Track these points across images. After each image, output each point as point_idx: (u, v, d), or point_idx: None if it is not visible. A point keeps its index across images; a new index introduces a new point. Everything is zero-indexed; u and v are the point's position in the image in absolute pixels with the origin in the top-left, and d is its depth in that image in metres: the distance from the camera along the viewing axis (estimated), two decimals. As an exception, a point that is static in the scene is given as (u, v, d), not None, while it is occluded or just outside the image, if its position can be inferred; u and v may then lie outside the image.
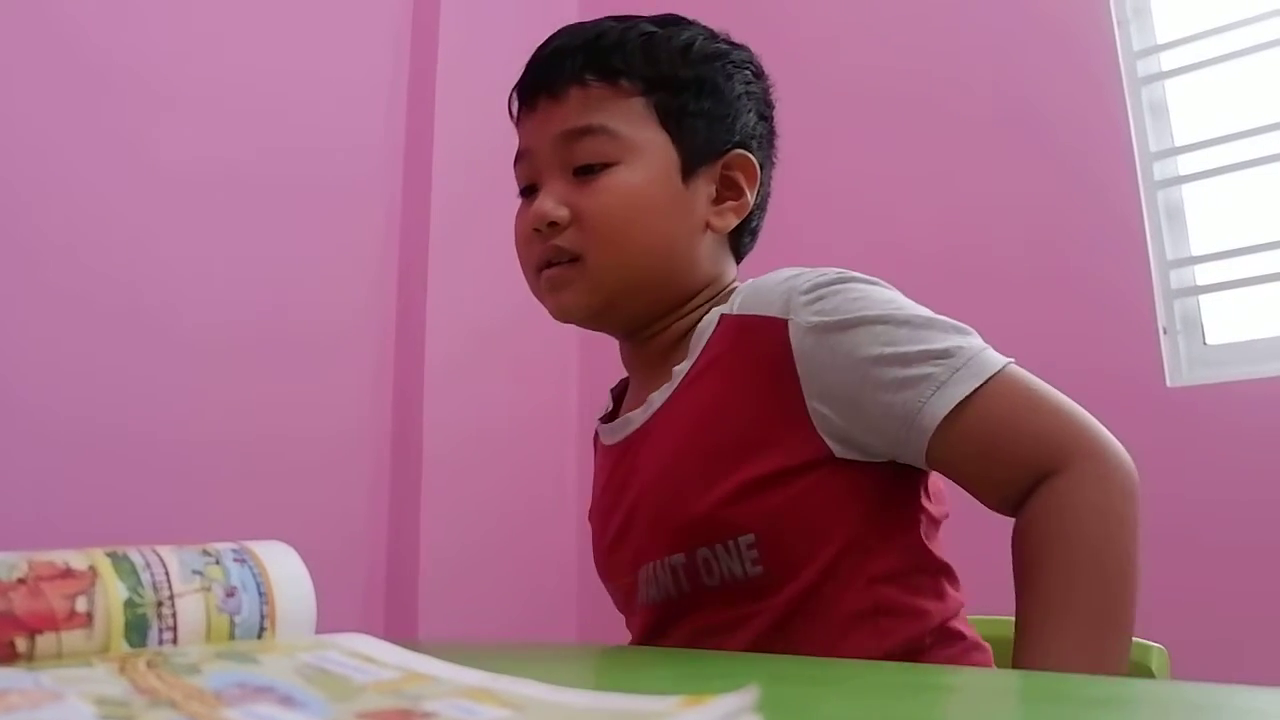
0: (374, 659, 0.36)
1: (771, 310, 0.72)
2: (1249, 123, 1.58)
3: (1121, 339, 1.57)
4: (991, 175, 1.74)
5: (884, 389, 0.67)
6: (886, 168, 1.86)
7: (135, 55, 1.60)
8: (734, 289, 0.81)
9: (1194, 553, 1.39)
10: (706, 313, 0.80)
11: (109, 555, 0.40)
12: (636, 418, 0.81)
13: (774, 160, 0.87)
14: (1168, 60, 1.70)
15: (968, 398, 0.65)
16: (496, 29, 2.10)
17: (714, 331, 0.77)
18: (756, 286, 0.76)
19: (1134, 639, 0.72)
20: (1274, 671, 1.19)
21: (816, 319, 0.70)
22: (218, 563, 0.42)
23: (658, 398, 0.79)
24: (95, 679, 0.32)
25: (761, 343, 0.72)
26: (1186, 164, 1.65)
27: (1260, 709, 0.32)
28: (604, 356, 0.95)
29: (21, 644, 0.35)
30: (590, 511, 0.89)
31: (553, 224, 0.78)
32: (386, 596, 1.82)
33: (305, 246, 1.81)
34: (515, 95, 0.84)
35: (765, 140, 0.85)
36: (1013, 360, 0.68)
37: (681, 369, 0.78)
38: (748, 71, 0.84)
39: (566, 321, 0.83)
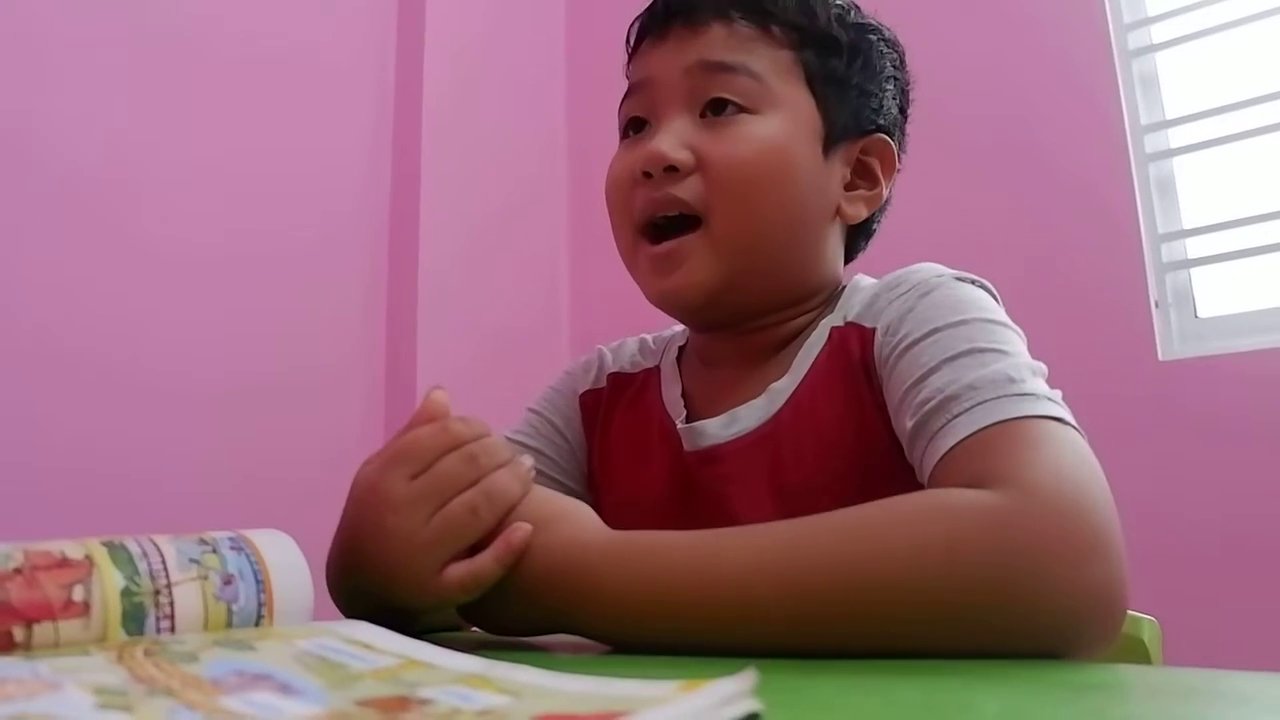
0: (371, 646, 0.36)
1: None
2: (1240, 95, 1.58)
3: (1113, 313, 1.57)
4: (978, 148, 1.73)
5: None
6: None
7: (132, 48, 1.59)
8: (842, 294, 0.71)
9: (1184, 527, 1.40)
10: (816, 322, 0.70)
11: (105, 544, 0.40)
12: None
13: (902, 161, 0.76)
14: (1158, 33, 1.69)
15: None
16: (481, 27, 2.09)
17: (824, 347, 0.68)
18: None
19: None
20: (1265, 646, 1.20)
21: None
22: (215, 551, 0.42)
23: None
24: (93, 668, 0.32)
25: None
26: (1177, 137, 1.65)
27: (1250, 693, 0.32)
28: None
29: (19, 633, 0.35)
30: (618, 487, 0.74)
31: (670, 169, 0.65)
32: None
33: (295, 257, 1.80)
34: (640, 25, 0.73)
35: (901, 135, 0.77)
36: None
37: None
38: (896, 55, 0.76)
39: (674, 309, 0.70)
